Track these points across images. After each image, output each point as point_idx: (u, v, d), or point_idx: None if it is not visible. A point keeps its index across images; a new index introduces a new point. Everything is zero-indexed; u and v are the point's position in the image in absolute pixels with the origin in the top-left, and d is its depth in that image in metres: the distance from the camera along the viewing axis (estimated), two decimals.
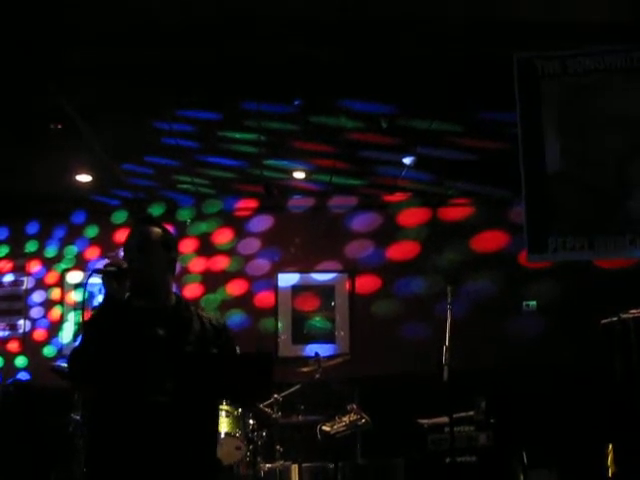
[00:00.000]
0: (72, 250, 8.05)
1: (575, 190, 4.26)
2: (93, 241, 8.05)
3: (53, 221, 8.11)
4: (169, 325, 3.13)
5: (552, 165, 4.27)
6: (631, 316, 5.09)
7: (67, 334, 7.84)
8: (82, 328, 3.28)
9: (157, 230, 3.25)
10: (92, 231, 8.08)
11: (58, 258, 8.06)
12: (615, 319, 5.22)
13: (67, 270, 8.00)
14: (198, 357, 3.14)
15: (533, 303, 7.70)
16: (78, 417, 5.21)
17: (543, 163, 4.27)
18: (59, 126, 5.70)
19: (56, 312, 7.97)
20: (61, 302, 7.97)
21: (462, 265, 7.72)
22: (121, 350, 3.00)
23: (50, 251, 8.08)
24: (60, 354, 7.70)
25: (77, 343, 3.15)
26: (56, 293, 8.00)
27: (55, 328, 7.92)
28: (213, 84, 5.37)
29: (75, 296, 7.90)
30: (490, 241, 7.92)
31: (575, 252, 4.17)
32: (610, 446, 5.43)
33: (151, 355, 3.05)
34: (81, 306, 7.66)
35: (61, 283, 8.00)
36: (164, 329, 3.11)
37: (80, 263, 8.00)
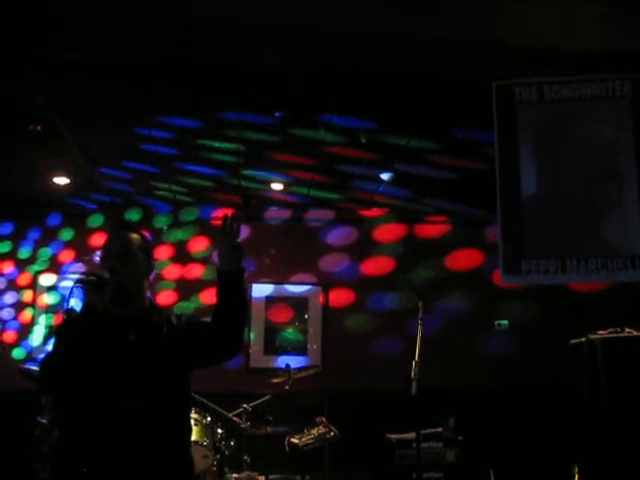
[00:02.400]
0: (46, 252, 7.99)
1: (549, 214, 4.32)
2: (68, 244, 8.00)
3: (28, 223, 8.04)
4: (140, 331, 3.11)
5: (527, 189, 4.34)
6: (599, 337, 5.15)
7: (37, 337, 7.77)
8: (54, 333, 3.25)
9: (137, 237, 3.25)
10: (67, 234, 8.02)
11: (31, 260, 7.99)
12: (583, 340, 5.28)
13: (40, 272, 7.93)
14: (169, 362, 3.10)
15: (505, 322, 7.76)
16: (45, 420, 5.16)
17: (518, 187, 4.34)
18: (38, 127, 5.67)
19: (27, 314, 7.89)
20: (33, 304, 7.90)
21: (436, 282, 7.77)
22: (93, 357, 2.97)
23: (24, 253, 8.01)
24: (30, 357, 7.63)
25: (49, 349, 3.11)
26: (28, 295, 7.93)
27: (25, 330, 7.84)
28: (195, 92, 5.38)
29: (47, 299, 7.84)
30: (464, 259, 7.99)
31: (548, 275, 4.22)
32: (576, 466, 5.48)
33: (122, 361, 3.02)
34: (59, 312, 7.66)
35: (33, 285, 7.92)
36: (135, 335, 3.09)
37: (54, 266, 7.94)
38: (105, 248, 3.20)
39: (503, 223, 4.35)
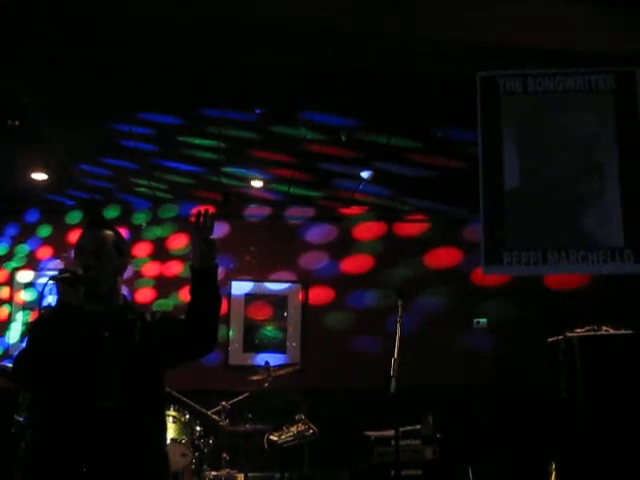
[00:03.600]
0: (24, 249, 7.92)
1: (531, 206, 4.36)
2: (46, 241, 7.93)
3: (5, 219, 7.96)
4: (114, 328, 3.10)
5: (510, 181, 4.37)
6: (576, 335, 5.20)
7: (14, 334, 7.70)
8: (28, 330, 3.23)
9: (111, 234, 3.25)
10: (45, 230, 7.96)
11: (9, 256, 7.92)
12: (561, 337, 5.33)
13: (17, 269, 7.87)
14: (142, 359, 3.10)
15: (483, 320, 7.81)
16: (22, 418, 5.12)
17: (501, 178, 4.37)
18: (16, 122, 5.62)
19: (4, 311, 7.82)
20: (10, 301, 7.83)
21: (415, 280, 7.80)
22: (66, 354, 2.95)
23: (1, 249, 7.93)
24: (7, 354, 7.57)
25: (24, 345, 3.09)
26: (5, 292, 7.85)
27: (2, 327, 7.78)
28: (175, 88, 5.36)
29: (24, 296, 7.78)
30: (444, 258, 8.02)
31: (529, 266, 4.26)
32: (553, 464, 5.52)
33: (95, 359, 3.01)
34: (36, 308, 7.60)
35: (10, 282, 7.85)
36: (110, 332, 3.08)
37: (31, 262, 7.87)
38: (78, 245, 3.19)
39: (485, 214, 4.38)
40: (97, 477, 2.92)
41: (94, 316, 3.09)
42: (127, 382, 3.02)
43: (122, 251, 3.25)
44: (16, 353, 3.11)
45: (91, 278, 3.05)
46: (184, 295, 7.76)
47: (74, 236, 7.81)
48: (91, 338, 3.04)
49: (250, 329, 7.86)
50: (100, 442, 2.93)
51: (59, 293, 3.00)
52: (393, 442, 4.46)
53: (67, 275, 3.00)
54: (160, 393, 3.24)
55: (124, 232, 7.84)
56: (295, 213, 8.11)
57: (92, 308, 3.09)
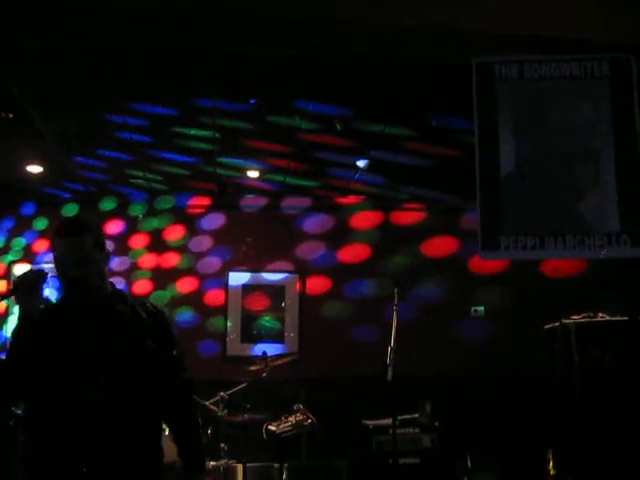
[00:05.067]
0: (20, 242, 7.92)
1: (528, 191, 4.36)
2: (42, 234, 7.92)
3: (1, 212, 7.96)
4: (102, 320, 3.06)
5: (506, 166, 4.36)
6: (572, 322, 5.22)
7: (11, 327, 7.68)
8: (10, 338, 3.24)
9: (88, 237, 3.10)
10: (41, 223, 7.95)
11: (5, 250, 7.91)
12: (557, 324, 5.35)
13: (14, 262, 7.86)
14: (132, 352, 3.07)
15: (481, 308, 7.82)
16: (19, 411, 5.13)
17: (497, 164, 4.36)
18: (10, 115, 5.60)
19: (1, 305, 7.81)
20: None
21: (412, 269, 7.80)
22: (53, 352, 2.95)
23: None
24: (4, 347, 7.57)
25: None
26: (2, 285, 7.85)
27: None
28: (169, 79, 5.33)
29: None
30: (440, 246, 8.02)
31: (527, 251, 4.26)
32: (551, 451, 5.55)
33: (84, 353, 2.98)
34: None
35: (7, 275, 7.85)
36: (97, 324, 3.04)
37: (28, 255, 7.87)
38: (58, 256, 3.06)
39: (481, 199, 4.38)
40: (93, 472, 2.93)
41: (79, 310, 3.06)
42: (116, 375, 2.99)
43: (102, 246, 3.15)
44: None
45: (74, 282, 3.01)
46: (181, 286, 7.79)
47: None
48: (77, 333, 3.01)
49: (247, 320, 7.86)
50: (92, 437, 2.93)
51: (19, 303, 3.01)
52: (391, 431, 4.48)
53: (8, 292, 2.99)
54: (152, 384, 3.15)
55: (120, 224, 7.79)
56: (291, 203, 8.10)
57: (76, 301, 3.06)
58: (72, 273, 3.01)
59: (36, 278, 3.16)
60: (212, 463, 5.66)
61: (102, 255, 3.12)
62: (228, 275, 7.90)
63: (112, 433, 2.96)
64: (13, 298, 3.09)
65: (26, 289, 3.05)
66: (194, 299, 7.82)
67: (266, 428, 5.55)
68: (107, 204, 7.96)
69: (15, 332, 3.09)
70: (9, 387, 3.08)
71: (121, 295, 3.23)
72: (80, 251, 3.04)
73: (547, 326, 5.56)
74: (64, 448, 2.94)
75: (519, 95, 4.47)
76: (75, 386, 2.94)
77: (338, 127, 6.00)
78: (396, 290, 4.43)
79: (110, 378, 2.98)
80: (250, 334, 7.83)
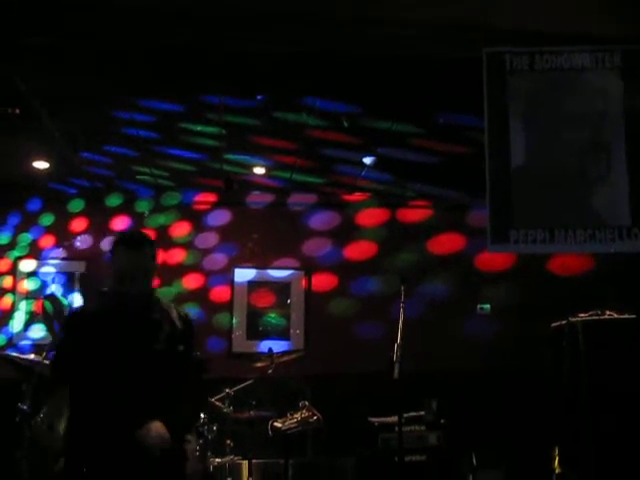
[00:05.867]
0: (26, 238, 7.92)
1: (538, 184, 4.33)
2: (48, 229, 7.93)
3: (7, 208, 7.95)
4: (142, 325, 3.34)
5: (516, 159, 4.33)
6: (580, 319, 5.18)
7: (18, 323, 7.71)
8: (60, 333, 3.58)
9: (150, 249, 3.39)
10: (47, 219, 7.95)
11: (11, 245, 7.91)
12: (564, 322, 5.32)
13: (20, 258, 7.86)
14: (166, 354, 3.33)
15: (487, 306, 7.80)
16: (25, 407, 5.13)
17: (507, 157, 4.33)
18: (17, 111, 5.60)
19: (7, 300, 7.83)
20: (13, 290, 7.83)
21: (418, 266, 7.78)
22: (93, 351, 3.24)
23: (3, 238, 7.93)
24: (10, 343, 7.58)
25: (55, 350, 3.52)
26: (8, 281, 7.86)
27: (6, 317, 7.78)
28: (176, 75, 5.32)
29: (27, 285, 7.78)
30: (447, 244, 8.00)
31: (536, 245, 4.24)
32: (556, 448, 5.52)
33: (123, 353, 3.24)
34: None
35: (13, 271, 7.85)
36: (137, 328, 3.31)
37: (34, 251, 7.87)
38: (119, 268, 3.30)
39: (491, 192, 4.35)
40: (125, 463, 3.16)
41: (122, 315, 3.33)
42: (150, 374, 3.28)
43: (155, 255, 3.44)
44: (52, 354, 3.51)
45: (129, 294, 3.28)
46: (187, 282, 7.79)
47: (76, 224, 7.85)
48: (114, 335, 3.28)
49: (253, 316, 7.86)
50: (126, 430, 3.15)
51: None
52: (397, 428, 4.46)
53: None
54: (176, 383, 3.39)
55: (126, 220, 7.81)
56: (298, 200, 8.09)
57: (121, 308, 3.33)
58: (133, 289, 3.27)
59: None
60: (218, 460, 5.67)
61: (155, 264, 3.43)
62: (234, 271, 7.89)
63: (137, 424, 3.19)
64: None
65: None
66: (200, 295, 7.82)
67: (272, 425, 5.53)
68: (113, 200, 7.96)
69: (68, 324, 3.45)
70: (60, 373, 3.41)
71: (160, 303, 3.48)
72: (144, 262, 3.33)
73: (554, 324, 5.52)
74: (98, 438, 3.19)
75: (530, 87, 4.43)
76: (113, 382, 3.21)
77: (345, 124, 5.98)
78: (402, 287, 4.41)
79: (145, 377, 3.25)
80: (256, 331, 7.82)
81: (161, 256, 7.86)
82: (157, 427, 3.21)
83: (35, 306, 7.59)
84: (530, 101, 4.41)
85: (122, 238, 3.45)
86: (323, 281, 7.93)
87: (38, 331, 7.54)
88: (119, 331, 3.30)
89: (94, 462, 3.21)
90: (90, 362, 3.26)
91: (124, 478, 3.20)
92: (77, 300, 7.51)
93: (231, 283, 7.87)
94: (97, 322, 3.33)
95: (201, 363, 3.64)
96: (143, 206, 8.02)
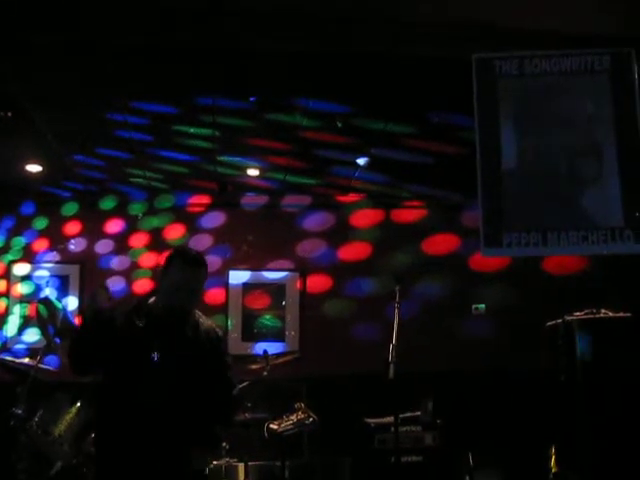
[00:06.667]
0: (20, 241, 7.89)
1: (530, 187, 4.34)
2: (42, 233, 7.89)
3: (1, 211, 7.92)
4: (174, 338, 3.48)
5: (507, 162, 4.35)
6: (575, 318, 5.20)
7: (12, 327, 7.68)
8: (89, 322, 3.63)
9: (205, 270, 3.56)
10: (41, 223, 7.92)
11: (5, 249, 7.88)
12: (560, 321, 5.33)
13: (14, 262, 7.83)
14: (193, 368, 3.48)
15: (482, 306, 7.80)
16: (20, 411, 5.12)
17: (499, 160, 4.35)
18: (9, 114, 5.58)
19: (1, 304, 7.79)
20: (6, 294, 7.80)
21: (413, 267, 7.78)
22: (129, 353, 3.40)
23: None
24: (4, 347, 7.55)
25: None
26: (2, 285, 7.82)
27: (0, 321, 7.75)
28: (169, 77, 5.31)
29: (21, 289, 7.75)
30: (441, 244, 8.00)
31: (529, 248, 4.25)
32: (553, 448, 5.53)
33: (149, 364, 3.39)
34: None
35: (7, 275, 7.82)
36: (169, 340, 3.45)
37: (28, 255, 7.84)
38: (176, 281, 3.46)
39: (483, 196, 4.36)
40: (148, 464, 3.34)
41: (161, 325, 3.48)
42: (176, 385, 3.41)
43: (206, 278, 3.59)
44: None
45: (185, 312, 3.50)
46: None
47: (70, 228, 7.83)
48: (151, 342, 3.44)
49: (248, 318, 7.84)
50: (150, 432, 3.33)
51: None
52: (393, 429, 4.46)
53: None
54: (205, 396, 3.55)
55: (120, 223, 7.82)
56: (292, 201, 8.08)
57: (162, 320, 3.49)
58: (179, 303, 3.44)
59: None
60: (214, 462, 5.65)
61: (203, 288, 3.62)
62: (228, 274, 7.88)
63: (166, 432, 3.36)
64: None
65: None
66: None
67: (267, 427, 5.52)
68: (107, 203, 7.94)
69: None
70: (85, 354, 3.49)
71: (194, 321, 3.60)
72: (197, 282, 3.50)
73: (549, 323, 5.54)
74: (124, 437, 3.34)
75: (520, 91, 4.45)
76: (140, 389, 3.36)
77: (339, 124, 5.97)
78: (397, 287, 4.41)
79: (170, 387, 3.38)
80: (251, 333, 7.81)
81: (155, 258, 7.85)
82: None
83: (29, 310, 7.56)
84: (521, 105, 4.43)
85: (182, 254, 3.60)
86: (318, 282, 7.92)
87: (32, 335, 7.50)
88: (153, 341, 3.43)
89: (126, 470, 3.34)
90: (121, 366, 3.40)
91: None
92: (71, 303, 7.51)
93: (226, 285, 7.86)
94: (133, 326, 3.44)
95: (229, 380, 3.69)
96: (137, 209, 7.99)
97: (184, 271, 3.44)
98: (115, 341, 3.40)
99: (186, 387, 3.42)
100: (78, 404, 5.53)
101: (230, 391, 3.68)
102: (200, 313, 3.69)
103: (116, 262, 7.69)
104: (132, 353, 3.40)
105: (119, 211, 7.93)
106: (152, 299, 3.61)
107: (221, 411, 3.68)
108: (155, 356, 3.39)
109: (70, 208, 7.93)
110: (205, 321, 3.66)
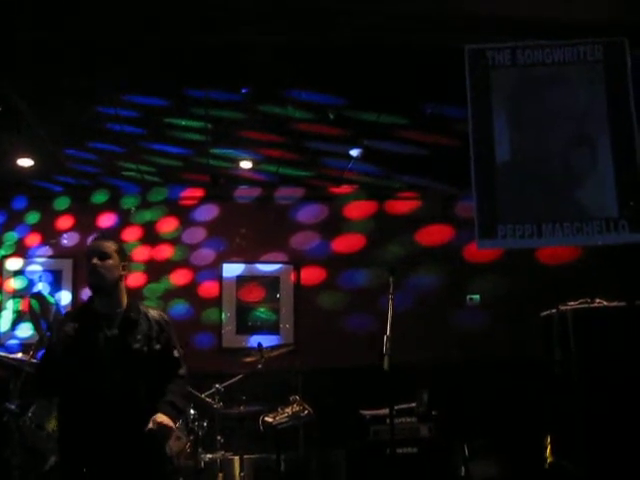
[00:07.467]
0: (12, 236, 7.86)
1: (524, 179, 4.34)
2: (34, 228, 7.87)
3: None
4: (120, 327, 3.67)
5: (501, 154, 4.34)
6: (569, 308, 5.19)
7: (5, 322, 7.65)
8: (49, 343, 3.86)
9: (114, 243, 3.80)
10: (33, 217, 7.89)
11: None
12: (554, 311, 5.32)
13: (6, 257, 7.80)
14: (143, 352, 3.67)
15: (476, 297, 7.80)
16: (13, 406, 5.09)
17: (492, 152, 4.34)
18: None
19: None
20: None
21: (407, 258, 7.77)
22: (80, 351, 3.57)
23: None
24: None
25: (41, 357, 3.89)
26: None
27: None
28: (160, 70, 5.28)
29: (14, 283, 7.72)
30: (435, 235, 8.00)
31: (524, 239, 4.25)
32: (548, 438, 5.53)
33: (104, 353, 3.59)
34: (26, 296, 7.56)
35: (0, 270, 7.80)
36: (116, 330, 3.65)
37: (20, 250, 7.81)
38: (85, 253, 3.77)
39: (478, 188, 4.36)
40: (108, 454, 3.47)
41: (101, 316, 3.68)
42: (129, 371, 3.59)
43: (123, 256, 3.80)
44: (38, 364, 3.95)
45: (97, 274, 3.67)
46: (175, 278, 7.75)
47: (62, 222, 7.79)
48: (99, 336, 3.63)
49: (242, 311, 7.83)
50: (108, 422, 3.48)
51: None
52: (388, 420, 4.45)
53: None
54: (157, 378, 3.72)
55: (113, 217, 7.80)
56: (285, 193, 8.06)
57: (99, 308, 3.70)
58: (95, 264, 3.69)
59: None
60: (209, 456, 5.65)
61: (121, 263, 3.78)
62: (222, 266, 7.86)
63: (124, 421, 3.51)
64: None
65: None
66: (188, 291, 7.79)
67: (262, 420, 5.53)
68: (99, 197, 7.91)
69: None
70: (49, 376, 3.70)
71: (136, 306, 3.82)
72: (102, 248, 3.76)
73: (544, 313, 5.53)
74: (84, 431, 3.50)
75: (513, 82, 4.44)
76: (95, 378, 3.53)
77: (331, 116, 5.95)
78: (391, 278, 4.40)
79: (124, 373, 3.56)
80: (245, 325, 7.80)
81: (148, 252, 7.83)
82: (162, 419, 3.52)
83: (22, 305, 7.53)
84: (514, 96, 4.42)
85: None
86: (312, 274, 7.91)
87: (25, 330, 7.48)
88: (101, 332, 3.65)
89: (91, 461, 3.47)
90: (75, 364, 3.57)
91: (121, 474, 3.48)
92: (64, 298, 7.48)
93: (220, 278, 7.84)
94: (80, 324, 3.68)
95: (177, 360, 3.84)
96: (129, 202, 7.97)
97: (89, 247, 3.79)
98: (71, 352, 3.61)
99: (133, 369, 3.61)
100: None
101: (177, 368, 3.83)
102: (148, 306, 3.92)
103: None
104: (82, 352, 3.60)
105: (112, 205, 7.90)
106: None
107: (174, 383, 3.78)
108: (103, 350, 3.61)
109: (62, 202, 7.90)
110: (152, 311, 3.86)
